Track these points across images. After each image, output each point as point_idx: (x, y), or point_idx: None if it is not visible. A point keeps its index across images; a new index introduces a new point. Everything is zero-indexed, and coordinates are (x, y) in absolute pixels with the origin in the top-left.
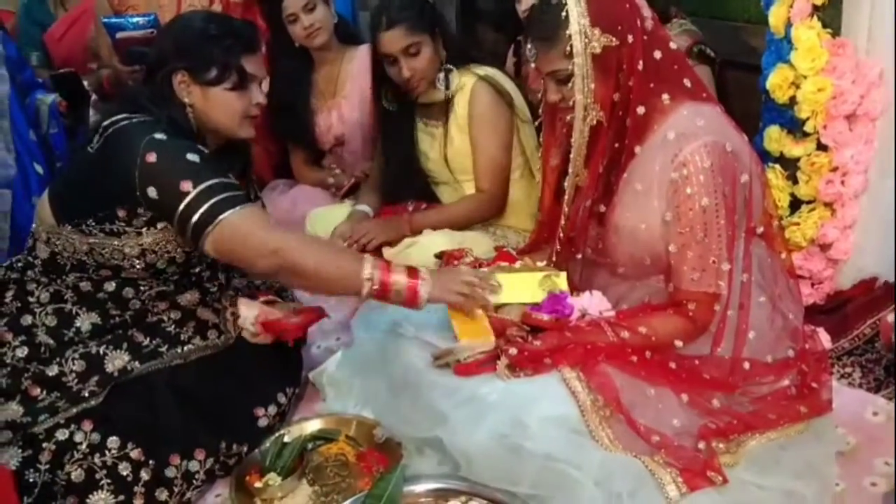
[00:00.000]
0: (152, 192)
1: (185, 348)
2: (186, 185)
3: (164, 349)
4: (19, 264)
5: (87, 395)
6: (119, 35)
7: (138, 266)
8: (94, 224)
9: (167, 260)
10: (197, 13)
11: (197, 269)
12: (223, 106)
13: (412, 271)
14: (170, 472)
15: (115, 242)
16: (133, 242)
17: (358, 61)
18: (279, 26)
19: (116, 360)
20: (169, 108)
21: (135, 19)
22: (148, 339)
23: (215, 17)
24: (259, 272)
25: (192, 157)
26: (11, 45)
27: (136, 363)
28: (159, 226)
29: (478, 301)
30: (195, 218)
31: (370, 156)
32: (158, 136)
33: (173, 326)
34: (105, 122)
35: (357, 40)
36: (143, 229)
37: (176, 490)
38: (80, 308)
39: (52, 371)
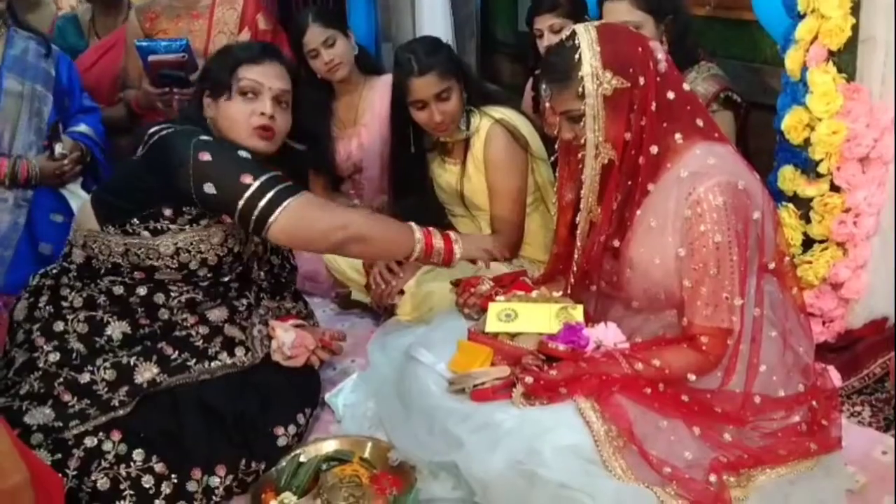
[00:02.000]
0: (210, 188)
1: (213, 364)
2: (247, 178)
3: (191, 363)
4: (54, 271)
5: (116, 404)
6: (151, 58)
7: (172, 266)
8: (138, 223)
9: (199, 261)
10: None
11: (226, 279)
12: (228, 116)
13: (446, 237)
14: (191, 486)
15: (152, 242)
16: (169, 241)
17: (379, 91)
18: (302, 55)
19: (146, 372)
20: (201, 124)
21: (166, 43)
22: (176, 352)
23: (245, 44)
24: (326, 248)
25: (244, 153)
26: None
27: (165, 376)
28: (202, 222)
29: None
30: (260, 206)
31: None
32: (205, 137)
33: (201, 341)
34: (151, 130)
35: (378, 71)
36: (187, 226)
37: None
38: (111, 316)
39: (84, 378)
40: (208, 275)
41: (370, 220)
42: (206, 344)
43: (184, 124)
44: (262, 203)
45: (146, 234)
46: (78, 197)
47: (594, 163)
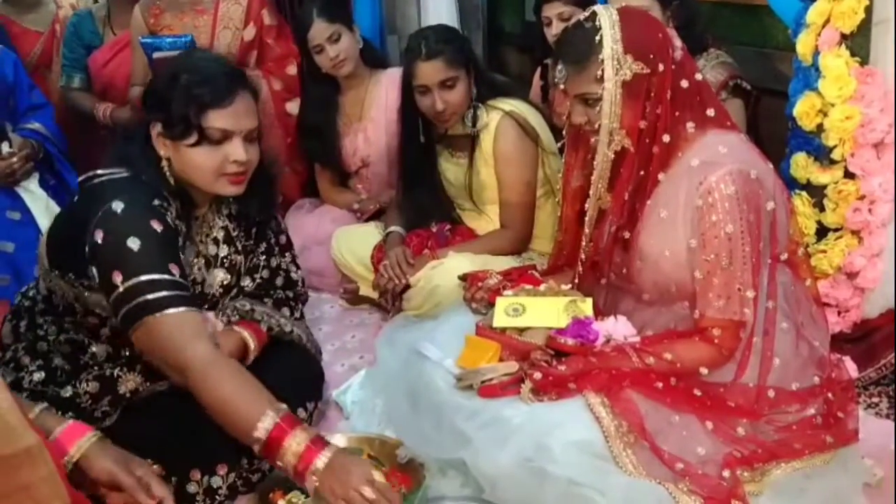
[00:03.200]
0: (93, 271)
1: None
2: (117, 277)
3: None
4: (31, 293)
5: (100, 415)
6: (156, 55)
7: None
8: (73, 277)
9: None
10: (187, 53)
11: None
12: (192, 163)
13: (313, 446)
14: (191, 488)
15: (96, 296)
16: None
17: (384, 85)
18: (307, 50)
19: (129, 382)
20: (146, 160)
21: (171, 40)
22: None
23: (197, 64)
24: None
25: (133, 243)
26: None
27: (148, 384)
28: None
29: None
30: (122, 312)
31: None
32: (116, 205)
33: None
34: (81, 178)
35: (383, 64)
36: None
37: None
38: (90, 339)
39: (67, 393)
40: None
41: (216, 382)
42: None
43: (122, 165)
44: (124, 310)
45: (83, 288)
46: (33, 194)
47: (607, 150)
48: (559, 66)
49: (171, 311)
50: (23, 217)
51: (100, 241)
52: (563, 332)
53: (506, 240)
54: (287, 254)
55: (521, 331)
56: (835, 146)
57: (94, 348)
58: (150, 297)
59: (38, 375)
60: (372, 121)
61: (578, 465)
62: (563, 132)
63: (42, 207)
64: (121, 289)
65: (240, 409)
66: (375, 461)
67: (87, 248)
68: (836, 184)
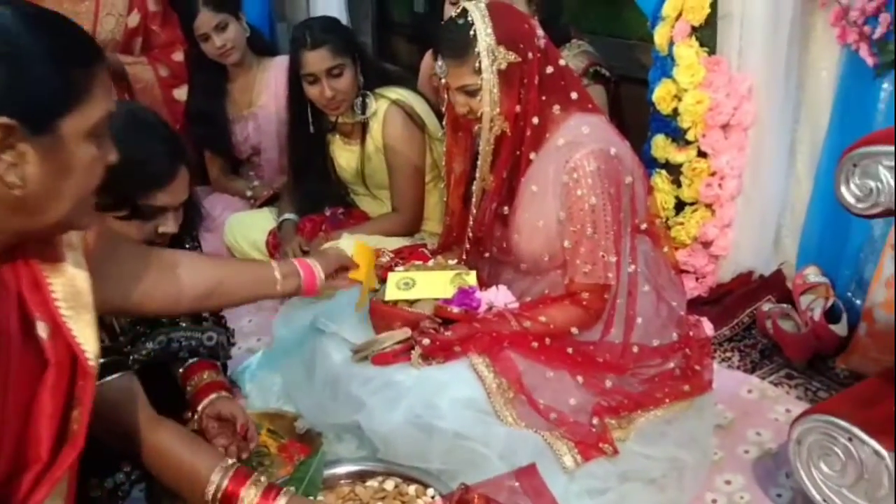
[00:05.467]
0: None
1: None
2: None
3: None
4: None
5: None
6: None
7: None
8: None
9: None
10: (127, 112)
11: None
12: (118, 231)
13: (269, 494)
14: (94, 493)
15: None
16: None
17: (273, 73)
18: (194, 38)
19: None
20: None
21: None
22: None
23: (138, 137)
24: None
25: None
26: None
27: None
28: None
29: None
30: None
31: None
32: None
33: None
34: None
35: (272, 52)
36: None
37: None
38: None
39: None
40: None
41: (166, 443)
42: None
43: None
44: None
45: None
46: None
47: (489, 135)
48: (439, 62)
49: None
50: None
51: None
52: (449, 301)
53: (397, 222)
54: None
55: (412, 303)
56: (688, 128)
57: None
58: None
59: None
60: (262, 108)
61: (464, 420)
62: (443, 123)
63: None
64: None
65: (191, 473)
66: (275, 434)
67: None
68: (690, 162)
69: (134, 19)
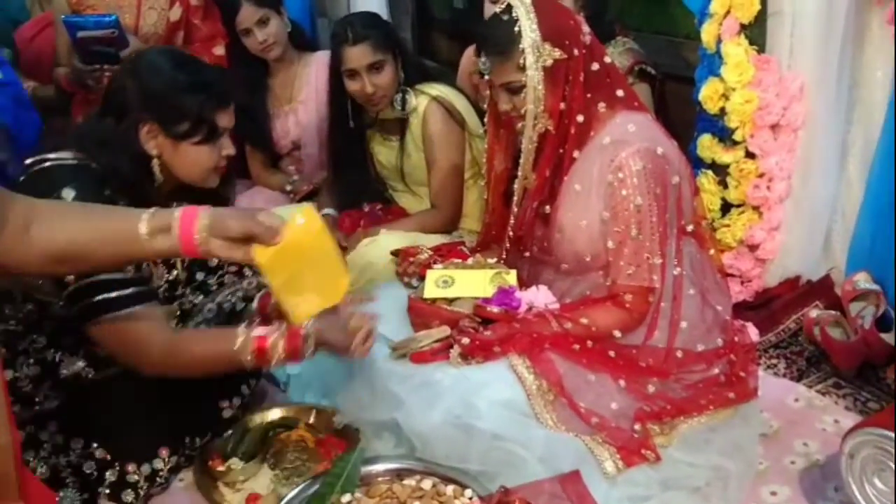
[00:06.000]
0: None
1: None
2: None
3: None
4: None
5: (40, 398)
6: (80, 34)
7: (63, 304)
8: None
9: None
10: (163, 53)
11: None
12: (192, 159)
13: (292, 335)
14: (131, 479)
15: (35, 281)
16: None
17: (314, 67)
18: (235, 31)
19: (72, 366)
20: (123, 156)
21: (95, 19)
22: None
23: (185, 65)
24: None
25: None
26: None
27: (92, 371)
28: None
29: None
30: (76, 308)
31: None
32: (67, 192)
33: None
34: (29, 161)
35: (313, 47)
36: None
37: (142, 493)
38: (27, 327)
39: (7, 375)
40: None
41: (188, 345)
42: None
43: (86, 154)
44: (77, 308)
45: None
46: None
47: (532, 133)
48: (483, 59)
49: (126, 311)
50: None
51: None
52: (489, 301)
53: (436, 219)
54: None
55: (451, 301)
56: (736, 128)
57: (35, 334)
58: (103, 296)
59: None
60: (302, 103)
61: (503, 421)
62: (485, 119)
63: None
64: (72, 287)
65: (217, 354)
66: (313, 429)
67: None
68: (737, 163)
69: (176, 13)
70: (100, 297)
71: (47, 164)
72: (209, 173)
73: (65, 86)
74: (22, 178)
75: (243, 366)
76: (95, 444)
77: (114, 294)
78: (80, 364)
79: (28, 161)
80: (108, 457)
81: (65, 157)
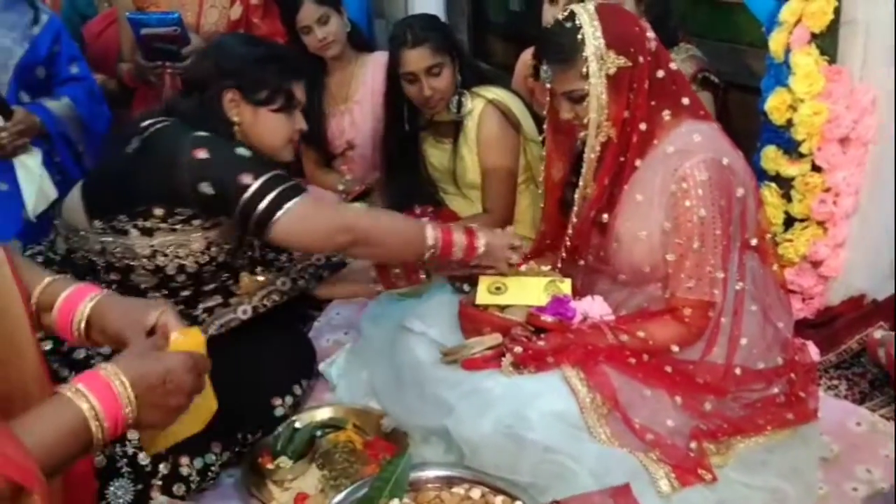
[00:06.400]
0: (206, 187)
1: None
2: (247, 178)
3: None
4: (40, 258)
5: None
6: (143, 31)
7: (148, 268)
8: (126, 220)
9: (177, 266)
10: (238, 35)
11: (209, 287)
12: (271, 126)
13: (469, 231)
14: (184, 471)
15: (129, 241)
16: (145, 242)
17: (370, 68)
18: (294, 30)
19: None
20: (212, 123)
21: (158, 16)
22: None
23: (262, 41)
24: (330, 249)
25: (243, 151)
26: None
27: None
28: (195, 223)
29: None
30: (260, 208)
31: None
32: (203, 133)
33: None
34: (145, 123)
35: (370, 48)
36: (178, 226)
37: (193, 486)
38: None
39: (80, 354)
40: (187, 282)
41: (377, 219)
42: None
43: (186, 119)
44: (262, 205)
45: (135, 232)
46: (27, 169)
47: (594, 142)
48: (544, 66)
49: (307, 193)
50: (10, 189)
51: (207, 156)
52: (542, 309)
53: (487, 223)
54: None
55: (503, 308)
56: (803, 140)
57: None
58: (287, 184)
59: (47, 344)
60: (358, 103)
61: (555, 434)
62: (544, 126)
63: (34, 184)
64: (256, 185)
65: (411, 234)
66: (361, 431)
67: (185, 171)
68: (803, 176)
69: (236, 11)
70: (279, 190)
71: (162, 124)
72: (285, 143)
73: (127, 81)
74: (139, 144)
75: (423, 253)
76: None
77: (287, 185)
78: None
79: (143, 124)
80: (163, 450)
81: (173, 119)
